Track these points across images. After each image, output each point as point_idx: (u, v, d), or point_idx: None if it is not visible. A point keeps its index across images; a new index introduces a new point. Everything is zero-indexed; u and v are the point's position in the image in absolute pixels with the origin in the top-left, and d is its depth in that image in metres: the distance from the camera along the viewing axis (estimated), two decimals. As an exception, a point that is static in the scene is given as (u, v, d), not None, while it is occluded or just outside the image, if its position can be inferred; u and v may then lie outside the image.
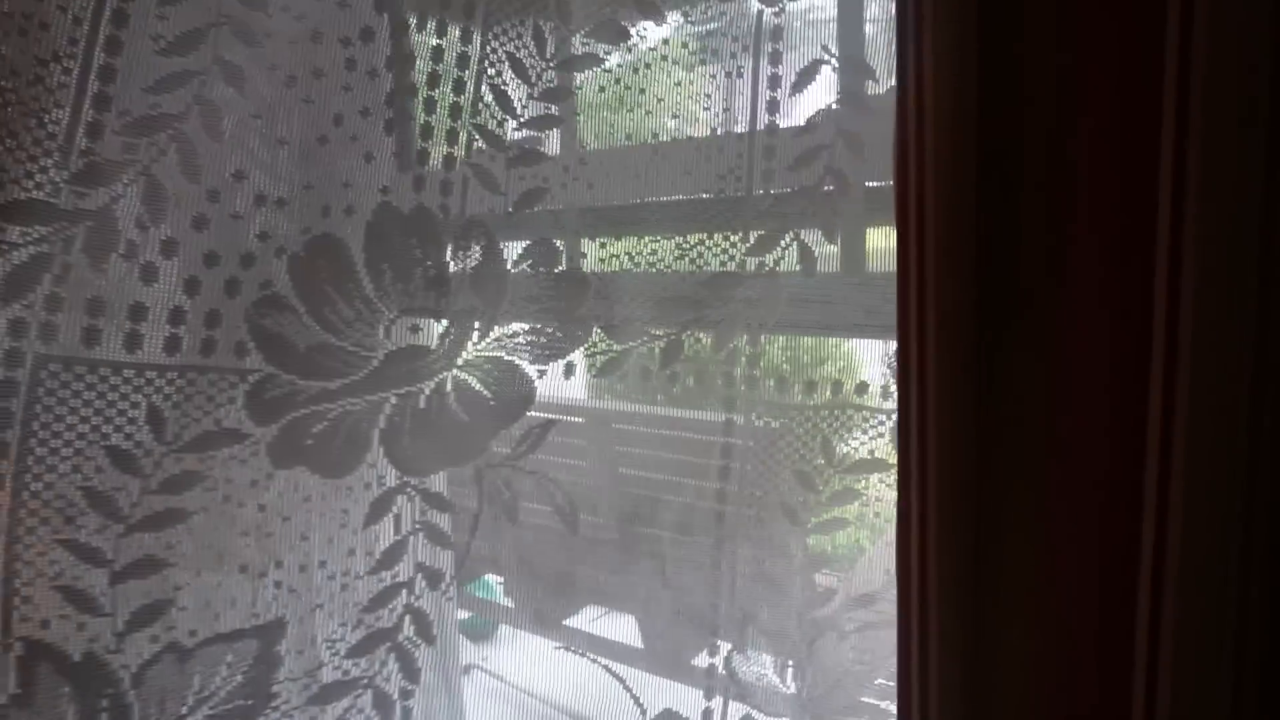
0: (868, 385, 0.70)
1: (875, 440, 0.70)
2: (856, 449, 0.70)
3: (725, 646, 0.72)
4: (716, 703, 0.73)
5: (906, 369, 0.46)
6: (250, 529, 0.62)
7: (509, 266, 0.68)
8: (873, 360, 0.72)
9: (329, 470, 0.64)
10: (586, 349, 0.72)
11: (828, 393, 0.71)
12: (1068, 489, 0.44)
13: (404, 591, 0.67)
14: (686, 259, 0.73)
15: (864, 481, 0.69)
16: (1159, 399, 0.41)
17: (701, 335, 0.74)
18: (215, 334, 0.59)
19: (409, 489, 0.68)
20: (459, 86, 0.67)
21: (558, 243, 0.70)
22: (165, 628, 0.59)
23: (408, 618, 0.67)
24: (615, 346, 0.73)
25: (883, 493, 0.70)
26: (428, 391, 0.67)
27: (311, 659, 0.64)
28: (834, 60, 0.68)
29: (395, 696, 0.67)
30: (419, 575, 0.68)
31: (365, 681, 0.66)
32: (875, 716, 0.71)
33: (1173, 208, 0.40)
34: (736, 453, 0.72)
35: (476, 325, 0.68)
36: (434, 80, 0.67)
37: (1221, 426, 0.40)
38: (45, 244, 0.54)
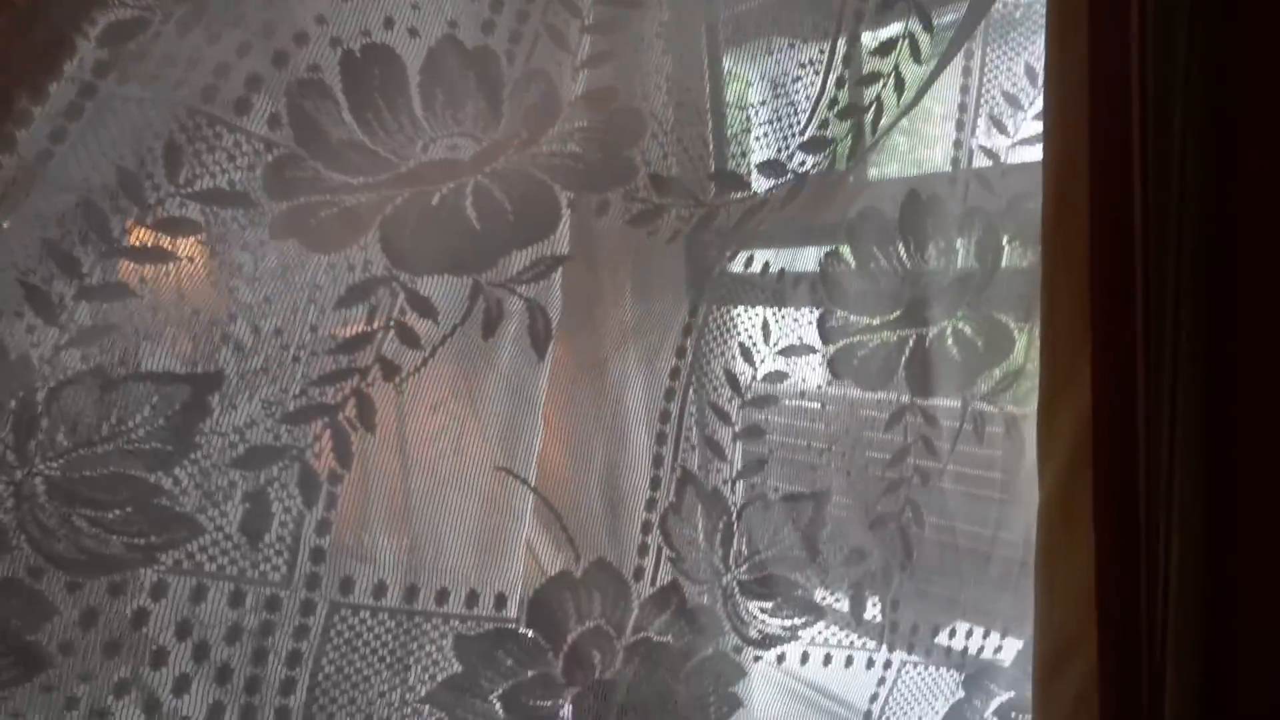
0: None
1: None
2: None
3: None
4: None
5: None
6: (220, 282, 0.60)
7: (564, 102, 0.67)
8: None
9: (319, 245, 0.61)
10: (628, 190, 0.69)
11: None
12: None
13: (356, 376, 0.64)
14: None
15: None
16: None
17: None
18: (253, 97, 0.58)
19: (395, 283, 0.64)
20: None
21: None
22: (101, 351, 0.57)
23: (353, 400, 0.64)
24: (654, 199, 0.70)
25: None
26: (444, 191, 0.63)
27: (244, 416, 0.61)
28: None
29: (323, 478, 0.63)
30: (376, 365, 0.64)
31: (295, 453, 0.63)
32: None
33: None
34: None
35: (516, 141, 0.65)
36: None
37: None
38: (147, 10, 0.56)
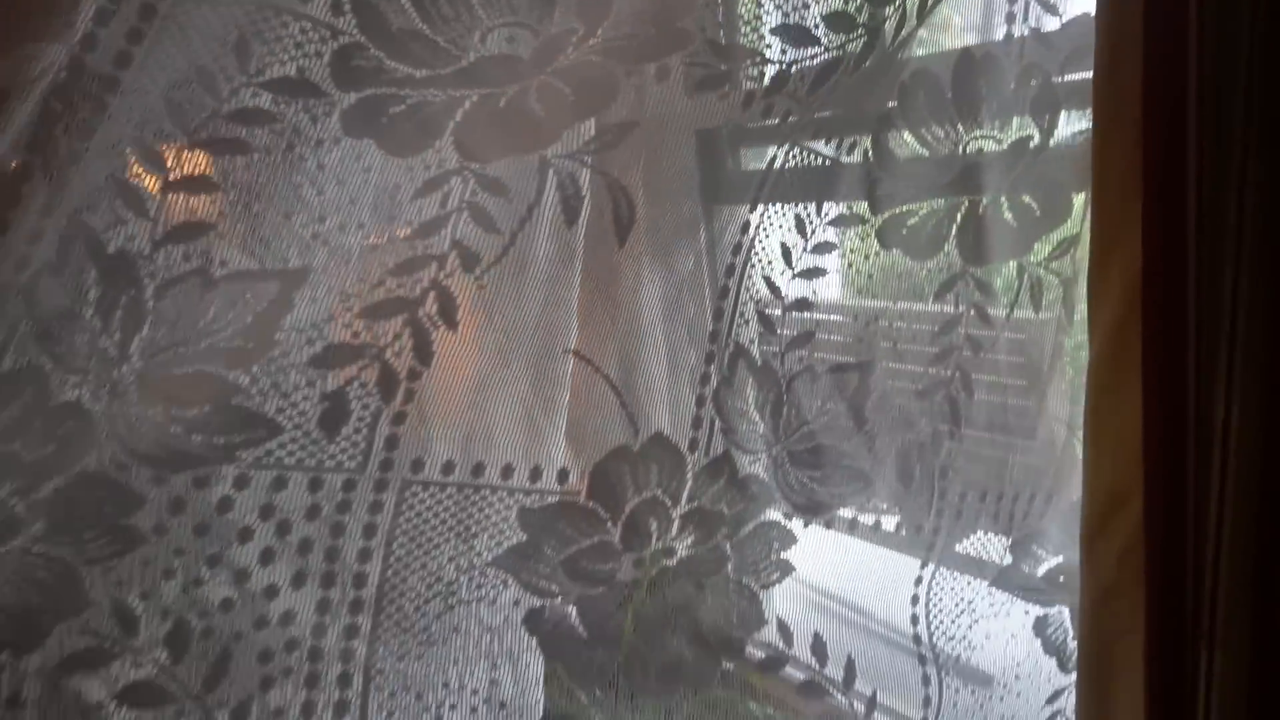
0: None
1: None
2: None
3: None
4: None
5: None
6: (305, 182, 0.60)
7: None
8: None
9: (395, 149, 0.62)
10: (686, 55, 0.68)
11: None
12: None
13: (434, 265, 0.65)
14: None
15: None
16: None
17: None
18: (315, -18, 0.57)
19: (467, 171, 0.65)
20: None
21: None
22: (200, 251, 0.58)
23: (432, 294, 0.65)
24: (718, 65, 0.69)
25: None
26: (510, 94, 0.64)
27: (323, 309, 0.62)
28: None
29: (402, 376, 0.65)
30: (454, 253, 0.65)
31: (374, 352, 0.64)
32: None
33: None
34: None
35: (574, 38, 0.64)
36: None
37: None
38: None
